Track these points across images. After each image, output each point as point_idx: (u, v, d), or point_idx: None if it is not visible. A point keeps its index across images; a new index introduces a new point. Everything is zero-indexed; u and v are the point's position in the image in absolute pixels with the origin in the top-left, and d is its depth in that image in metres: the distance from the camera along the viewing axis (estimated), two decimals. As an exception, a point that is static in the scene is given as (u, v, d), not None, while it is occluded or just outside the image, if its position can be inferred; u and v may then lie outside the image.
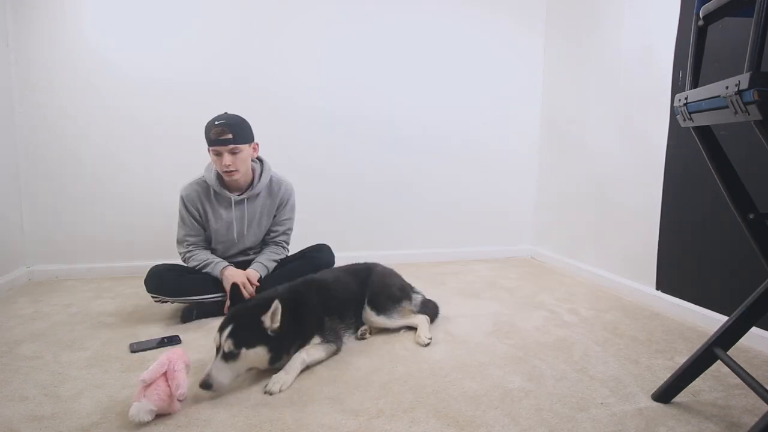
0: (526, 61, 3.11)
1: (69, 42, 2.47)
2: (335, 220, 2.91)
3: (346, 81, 2.83)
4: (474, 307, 2.13)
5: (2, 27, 2.36)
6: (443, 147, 3.03)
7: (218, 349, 1.37)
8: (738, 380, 1.42)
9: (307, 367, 1.49)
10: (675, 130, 2.09)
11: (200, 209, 2.06)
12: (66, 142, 2.52)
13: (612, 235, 2.52)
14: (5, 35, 2.38)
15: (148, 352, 1.62)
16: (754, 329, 1.60)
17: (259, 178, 2.10)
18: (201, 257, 2.04)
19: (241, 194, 2.07)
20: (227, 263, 2.03)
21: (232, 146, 1.93)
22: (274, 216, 2.17)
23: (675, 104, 1.17)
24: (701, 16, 1.11)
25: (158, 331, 1.81)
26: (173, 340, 1.71)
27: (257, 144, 2.08)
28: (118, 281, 2.51)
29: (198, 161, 2.65)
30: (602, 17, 2.56)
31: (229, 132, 1.92)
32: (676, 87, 2.07)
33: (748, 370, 1.10)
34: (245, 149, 1.98)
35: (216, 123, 1.93)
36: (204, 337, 1.76)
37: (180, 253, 2.09)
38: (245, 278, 1.97)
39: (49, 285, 2.44)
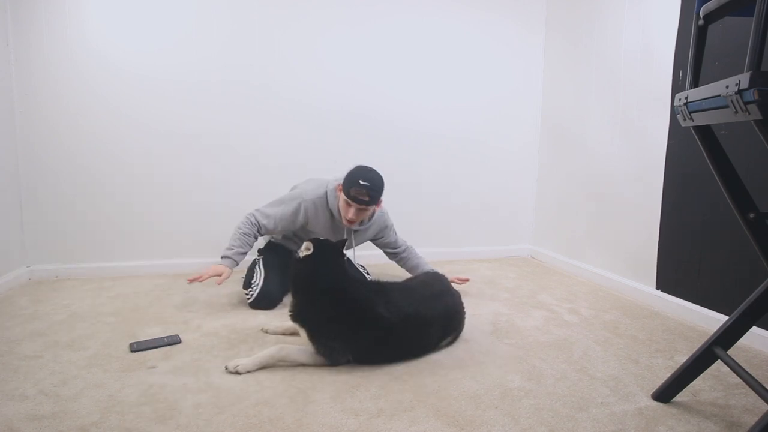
0: (526, 61, 3.11)
1: (69, 42, 2.46)
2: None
3: (346, 81, 2.83)
4: (474, 307, 2.13)
5: (2, 27, 2.36)
6: (443, 147, 3.04)
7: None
8: (738, 380, 1.42)
9: (303, 365, 1.50)
10: (675, 130, 2.09)
11: (304, 223, 2.13)
12: (66, 142, 2.52)
13: (612, 235, 2.52)
14: (5, 35, 2.38)
15: (148, 351, 1.62)
16: (754, 329, 1.61)
17: (371, 215, 2.18)
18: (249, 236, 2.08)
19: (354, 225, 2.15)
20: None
21: (363, 206, 2.00)
22: (381, 237, 2.32)
23: (675, 104, 1.17)
24: (701, 15, 1.11)
25: (158, 331, 1.81)
26: (173, 340, 1.71)
27: (381, 200, 2.10)
28: (118, 281, 2.51)
29: (199, 161, 2.66)
30: (602, 17, 2.56)
31: (367, 196, 1.97)
32: (677, 86, 2.07)
33: (748, 370, 1.11)
34: (372, 208, 2.06)
35: (361, 183, 1.95)
36: (204, 337, 1.76)
37: (252, 217, 2.09)
38: None
39: (49, 285, 2.43)
